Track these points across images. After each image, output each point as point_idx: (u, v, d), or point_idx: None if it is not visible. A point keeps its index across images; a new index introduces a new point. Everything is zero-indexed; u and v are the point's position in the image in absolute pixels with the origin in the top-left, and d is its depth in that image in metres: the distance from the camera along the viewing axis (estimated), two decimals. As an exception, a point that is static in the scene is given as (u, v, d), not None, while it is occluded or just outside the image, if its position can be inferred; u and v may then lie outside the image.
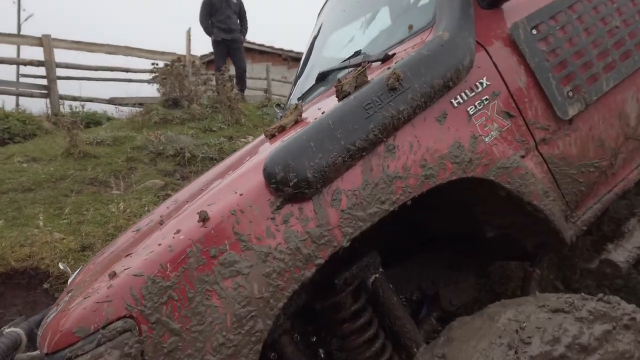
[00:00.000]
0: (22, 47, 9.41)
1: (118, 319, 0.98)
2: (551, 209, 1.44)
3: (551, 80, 1.52)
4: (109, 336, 0.97)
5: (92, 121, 8.32)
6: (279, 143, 1.22)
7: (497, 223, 1.55)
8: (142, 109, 7.16)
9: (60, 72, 8.21)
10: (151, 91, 8.57)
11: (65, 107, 7.76)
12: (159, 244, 1.09)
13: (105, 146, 5.10)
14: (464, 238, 1.77)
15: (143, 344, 0.99)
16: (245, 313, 1.05)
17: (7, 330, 1.64)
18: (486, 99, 1.41)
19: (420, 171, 1.26)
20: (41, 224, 3.05)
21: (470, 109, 1.38)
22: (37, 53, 8.16)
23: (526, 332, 1.09)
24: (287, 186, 1.11)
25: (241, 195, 1.14)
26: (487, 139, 1.38)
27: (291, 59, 16.62)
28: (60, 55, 8.24)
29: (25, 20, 16.60)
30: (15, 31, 12.45)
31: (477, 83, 1.42)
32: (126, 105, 9.09)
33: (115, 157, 4.78)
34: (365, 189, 1.20)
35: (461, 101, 1.37)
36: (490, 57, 1.47)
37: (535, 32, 1.54)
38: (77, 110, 8.16)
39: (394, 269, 1.80)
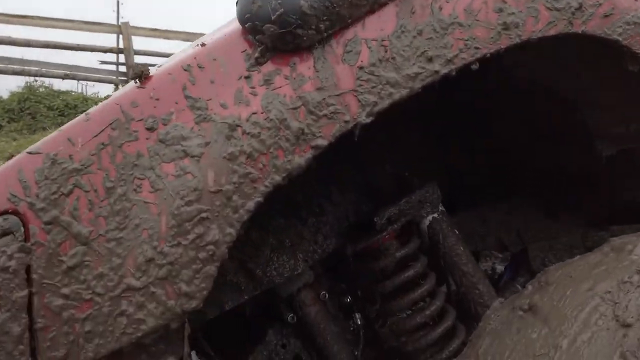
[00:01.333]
0: (106, 36, 9.73)
1: None
2: None
3: None
4: None
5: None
6: None
7: (619, 130, 1.02)
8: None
9: (138, 59, 8.40)
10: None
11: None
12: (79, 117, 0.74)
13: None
14: (563, 171, 1.25)
15: (30, 255, 0.63)
16: (190, 213, 0.65)
17: None
18: None
19: (495, 18, 0.78)
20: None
21: None
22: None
23: None
24: (269, 23, 0.70)
25: (203, 46, 0.74)
26: (607, -20, 0.87)
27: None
28: (139, 43, 8.44)
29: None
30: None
31: None
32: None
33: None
34: (401, 38, 0.75)
35: None
36: None
37: None
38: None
39: (465, 214, 1.34)
